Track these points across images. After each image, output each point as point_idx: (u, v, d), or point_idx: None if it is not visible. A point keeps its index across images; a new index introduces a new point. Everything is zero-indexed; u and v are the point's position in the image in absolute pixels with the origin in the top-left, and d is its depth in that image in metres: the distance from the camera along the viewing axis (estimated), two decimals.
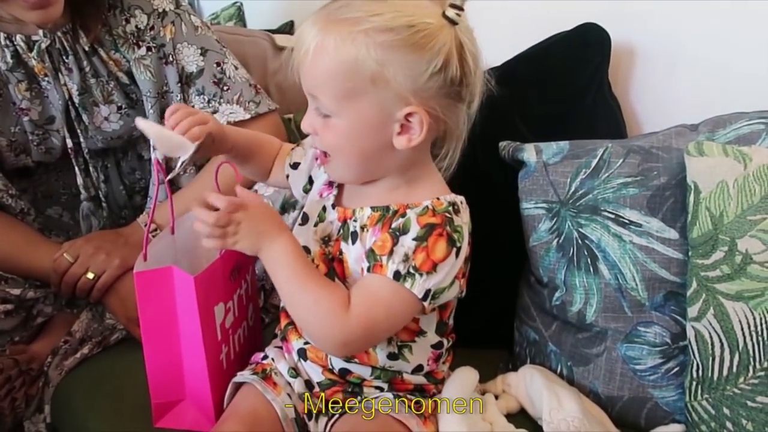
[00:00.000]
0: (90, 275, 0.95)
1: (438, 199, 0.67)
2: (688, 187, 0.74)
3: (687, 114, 0.86)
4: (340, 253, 0.72)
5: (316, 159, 0.78)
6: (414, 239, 0.64)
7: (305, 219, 0.76)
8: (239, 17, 1.76)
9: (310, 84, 0.65)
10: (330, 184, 0.76)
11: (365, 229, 0.69)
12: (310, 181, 0.79)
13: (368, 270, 0.66)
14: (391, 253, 0.64)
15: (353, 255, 0.70)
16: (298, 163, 0.80)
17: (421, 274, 0.63)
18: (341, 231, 0.72)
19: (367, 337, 0.67)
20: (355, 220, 0.71)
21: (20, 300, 0.96)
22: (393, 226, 0.66)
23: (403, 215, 0.66)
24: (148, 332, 0.78)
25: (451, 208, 0.66)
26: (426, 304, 0.65)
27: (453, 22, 0.62)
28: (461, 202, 0.69)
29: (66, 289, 0.96)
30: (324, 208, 0.75)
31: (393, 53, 0.61)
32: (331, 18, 0.63)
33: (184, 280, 0.74)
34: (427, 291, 0.64)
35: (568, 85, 0.96)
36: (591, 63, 0.95)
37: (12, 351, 0.93)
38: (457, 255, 0.65)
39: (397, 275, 0.64)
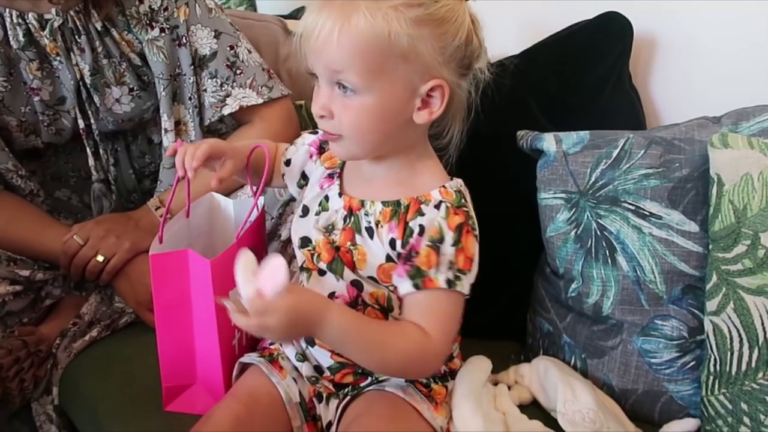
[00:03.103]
0: (100, 258, 0.94)
1: (444, 188, 0.69)
2: (710, 180, 0.73)
3: (707, 106, 0.85)
4: (353, 244, 0.71)
5: (311, 156, 0.80)
6: (452, 245, 0.66)
7: (305, 211, 0.77)
8: (249, 2, 1.75)
9: (336, 63, 0.64)
10: (330, 176, 0.76)
11: (380, 225, 0.70)
12: (304, 177, 0.80)
13: (416, 287, 0.66)
14: (437, 265, 0.65)
15: (373, 250, 0.70)
16: (290, 160, 0.81)
17: (465, 274, 0.66)
18: (349, 220, 0.72)
19: (449, 347, 0.71)
20: (366, 214, 0.71)
21: (29, 281, 0.95)
22: (431, 236, 0.66)
23: (417, 215, 0.67)
24: (162, 315, 0.77)
25: (463, 200, 0.68)
26: (467, 296, 0.68)
27: None
28: (462, 185, 0.71)
29: (75, 271, 0.95)
30: (326, 198, 0.75)
31: (423, 27, 0.63)
32: None
33: (200, 263, 0.73)
34: (470, 285, 0.67)
35: (588, 74, 0.95)
36: (612, 53, 0.94)
37: (21, 332, 0.93)
38: (477, 241, 0.68)
39: (449, 283, 0.65)
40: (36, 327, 0.97)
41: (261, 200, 0.84)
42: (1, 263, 0.93)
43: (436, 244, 0.66)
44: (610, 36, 0.94)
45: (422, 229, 0.66)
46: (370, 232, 0.70)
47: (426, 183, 0.70)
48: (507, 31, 1.13)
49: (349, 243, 0.71)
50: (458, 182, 0.71)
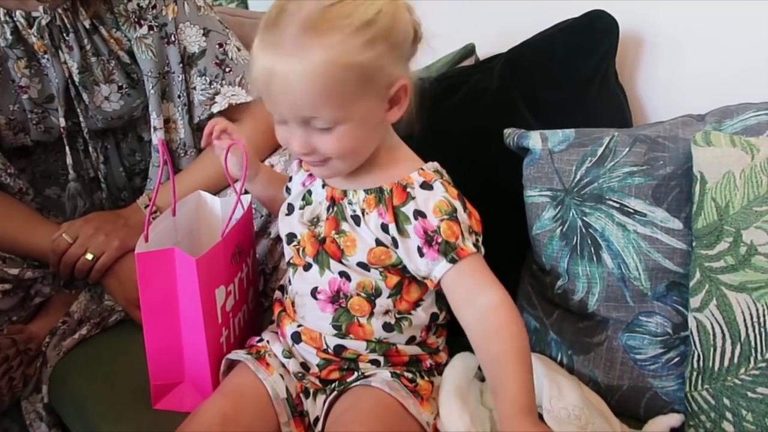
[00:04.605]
0: (89, 256, 0.94)
1: (422, 170, 0.72)
2: (693, 177, 0.73)
3: (693, 104, 0.86)
4: (339, 233, 0.72)
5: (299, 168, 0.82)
6: (464, 212, 0.70)
7: (291, 209, 0.78)
8: (241, 0, 1.75)
9: (306, 109, 0.64)
10: (311, 174, 0.77)
11: (366, 213, 0.71)
12: (287, 190, 0.83)
13: (453, 261, 0.68)
14: (461, 233, 0.68)
15: (361, 236, 0.71)
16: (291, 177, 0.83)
17: (480, 235, 0.71)
18: (331, 210, 0.73)
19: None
20: (350, 203, 0.72)
21: (18, 280, 0.95)
22: (443, 209, 0.68)
23: (407, 200, 0.69)
24: (149, 314, 0.78)
25: (444, 176, 0.73)
26: None
27: None
28: (438, 166, 0.74)
29: (64, 269, 0.95)
30: (309, 192, 0.76)
31: (377, 45, 0.63)
32: (302, 39, 0.61)
33: (186, 262, 0.73)
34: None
35: (574, 73, 0.95)
36: (598, 51, 0.94)
37: (10, 331, 0.93)
38: None
39: (476, 246, 0.69)
40: (25, 325, 0.97)
41: (248, 198, 0.85)
42: None
43: (453, 215, 0.68)
44: (596, 34, 0.94)
45: (420, 213, 0.68)
46: (357, 219, 0.72)
47: (403, 168, 0.72)
48: (493, 29, 1.14)
49: (333, 232, 0.73)
50: (434, 164, 0.74)
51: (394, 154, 0.74)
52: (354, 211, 0.72)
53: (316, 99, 0.63)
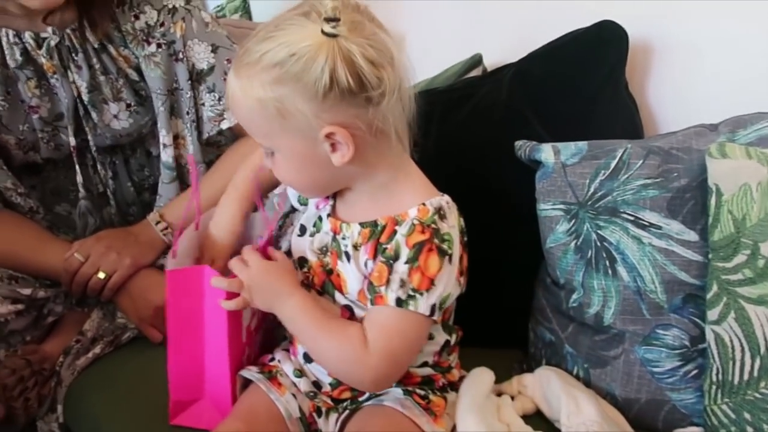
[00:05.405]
0: (101, 275, 0.94)
1: (424, 205, 0.67)
2: (709, 190, 0.73)
3: (705, 114, 0.85)
4: (339, 268, 0.72)
5: None
6: (405, 263, 0.65)
7: (303, 230, 0.78)
8: (245, 10, 1.75)
9: (245, 128, 0.70)
10: (326, 197, 0.76)
11: (358, 248, 0.70)
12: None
13: (371, 302, 0.67)
14: (388, 282, 0.65)
15: (351, 275, 0.70)
16: None
17: (421, 294, 0.65)
18: (333, 243, 0.73)
19: (393, 367, 0.69)
20: (344, 238, 0.71)
21: (31, 299, 0.95)
22: (386, 252, 0.66)
23: (392, 236, 0.67)
24: (174, 330, 0.78)
25: (436, 217, 0.66)
26: (435, 318, 0.67)
27: (332, 36, 0.61)
28: (447, 203, 0.69)
29: (77, 288, 0.95)
30: (320, 218, 0.75)
31: (284, 86, 0.62)
32: (237, 66, 0.66)
33: None
34: (432, 306, 0.66)
35: (584, 83, 0.95)
36: (608, 61, 0.94)
37: (24, 351, 0.93)
38: (450, 261, 0.66)
39: (399, 302, 0.65)
40: (39, 345, 0.97)
41: (270, 214, 0.85)
42: (2, 282, 0.93)
43: (390, 261, 0.66)
44: (605, 44, 0.94)
45: (386, 249, 0.67)
46: (348, 256, 0.71)
47: (405, 201, 0.69)
48: (500, 39, 1.14)
49: (336, 266, 0.73)
50: (442, 199, 0.69)
51: (393, 185, 0.70)
52: (346, 246, 0.71)
53: (245, 123, 0.69)
